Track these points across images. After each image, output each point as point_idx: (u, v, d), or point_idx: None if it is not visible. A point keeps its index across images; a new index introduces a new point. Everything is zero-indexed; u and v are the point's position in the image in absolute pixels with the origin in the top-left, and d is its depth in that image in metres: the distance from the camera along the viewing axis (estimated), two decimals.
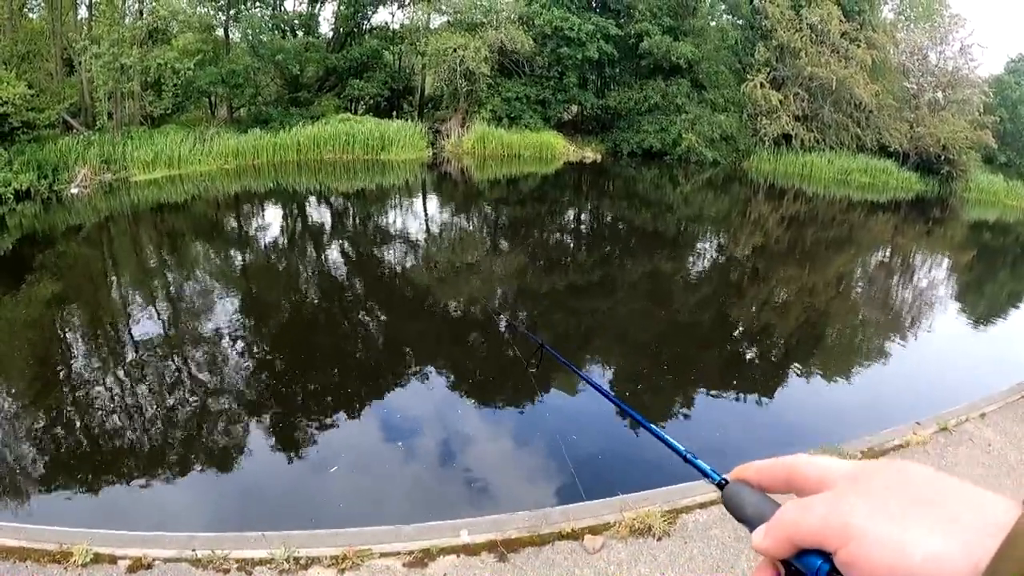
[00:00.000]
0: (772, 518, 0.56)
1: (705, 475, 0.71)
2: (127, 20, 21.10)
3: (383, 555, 4.37)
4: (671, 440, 0.83)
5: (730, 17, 34.51)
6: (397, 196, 21.46)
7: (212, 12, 25.11)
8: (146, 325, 9.48)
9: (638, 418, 0.96)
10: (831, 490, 0.53)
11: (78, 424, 6.63)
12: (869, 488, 0.50)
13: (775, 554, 0.54)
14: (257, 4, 27.30)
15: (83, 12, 23.21)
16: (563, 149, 29.02)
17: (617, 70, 30.97)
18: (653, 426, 0.91)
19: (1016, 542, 0.42)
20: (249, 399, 7.20)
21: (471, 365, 8.59)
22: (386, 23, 32.34)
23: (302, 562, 4.25)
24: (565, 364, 1.55)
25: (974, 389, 7.96)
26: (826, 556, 0.50)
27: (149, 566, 4.18)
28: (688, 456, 0.78)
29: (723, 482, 0.65)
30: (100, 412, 6.86)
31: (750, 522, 0.59)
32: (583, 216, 20.40)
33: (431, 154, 26.87)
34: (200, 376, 7.80)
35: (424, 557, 4.37)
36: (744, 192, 26.41)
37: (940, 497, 0.48)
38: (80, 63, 21.27)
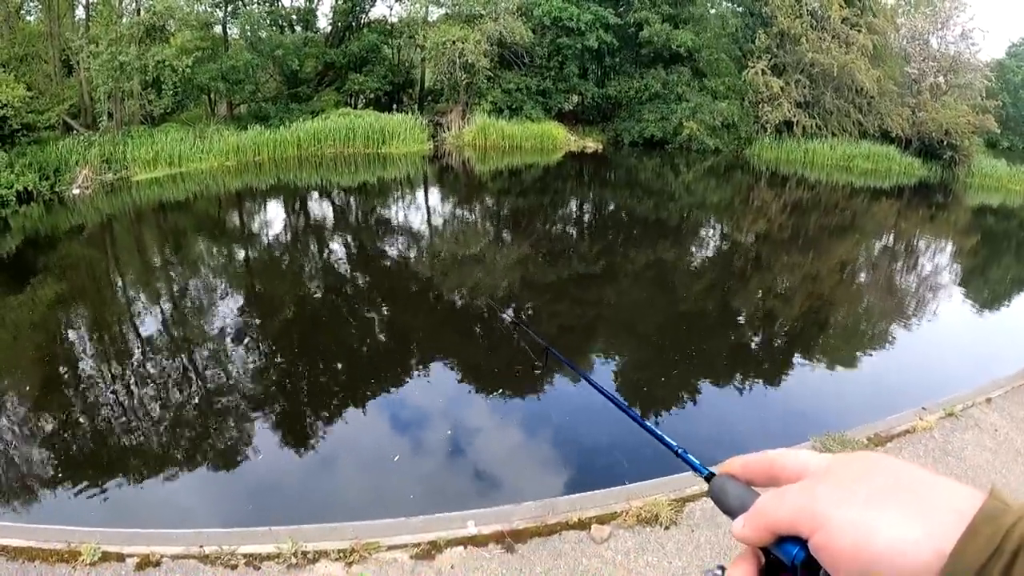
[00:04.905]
0: (750, 508, 0.58)
1: (694, 469, 0.75)
2: (124, 19, 21.05)
3: (391, 547, 4.38)
4: (664, 436, 0.89)
5: (730, 4, 34.28)
6: (399, 189, 21.44)
7: (209, 9, 25.00)
8: (151, 324, 9.51)
9: (633, 416, 1.00)
10: (805, 480, 0.56)
11: (86, 424, 6.65)
12: (839, 478, 0.53)
13: (754, 542, 0.57)
14: (255, 0, 27.21)
15: (80, 13, 23.18)
16: (564, 139, 28.93)
17: (617, 59, 30.79)
18: (648, 423, 0.95)
19: (979, 529, 0.43)
20: (254, 395, 7.21)
21: (476, 360, 8.59)
22: (384, 17, 32.22)
23: (310, 556, 4.26)
24: (568, 365, 1.58)
25: (980, 374, 7.94)
26: (802, 543, 0.52)
27: (157, 563, 4.20)
28: (679, 452, 0.83)
29: (710, 475, 0.68)
30: (107, 411, 6.88)
31: (733, 512, 0.61)
32: (585, 206, 20.36)
33: (432, 147, 26.82)
34: (206, 373, 7.81)
35: (431, 549, 4.38)
36: (746, 180, 26.31)
37: (906, 485, 0.49)
38: (78, 63, 21.26)
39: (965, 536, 0.43)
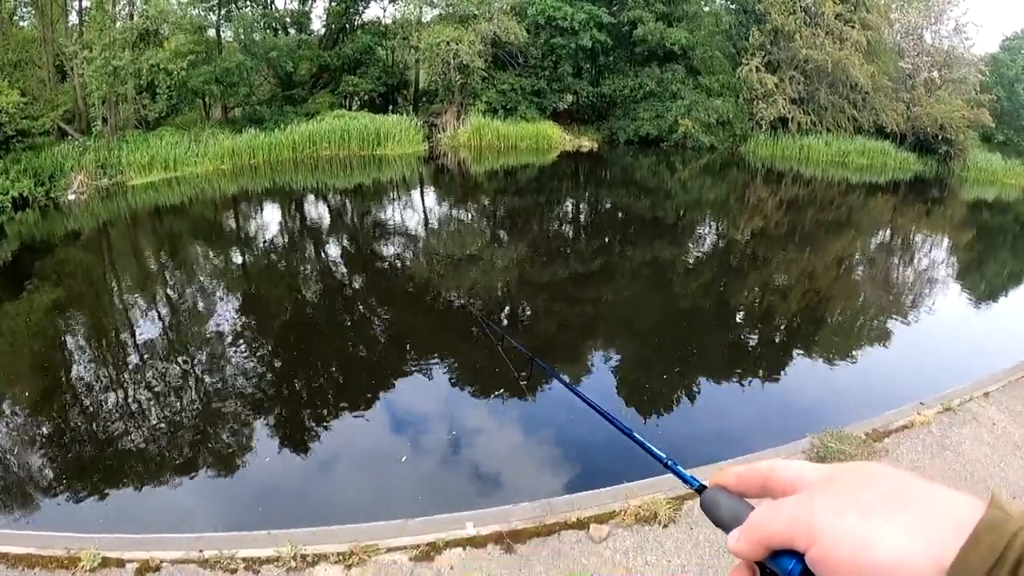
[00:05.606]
0: (745, 521, 0.57)
1: (685, 481, 0.73)
2: (117, 24, 21.00)
3: (390, 550, 4.39)
4: (653, 448, 0.85)
5: (723, 1, 34.24)
6: (395, 191, 21.42)
7: (203, 13, 24.97)
8: (148, 328, 9.49)
9: (621, 427, 0.97)
10: (801, 492, 0.54)
11: (84, 429, 6.65)
12: (835, 489, 0.51)
13: (749, 556, 0.55)
14: (248, 3, 27.17)
15: (73, 18, 23.13)
16: (559, 139, 28.91)
17: (611, 58, 30.78)
18: (636, 434, 0.92)
19: (980, 539, 0.42)
20: (251, 400, 7.21)
21: (469, 363, 8.58)
22: (378, 18, 32.19)
23: (309, 559, 4.27)
24: (554, 376, 1.59)
25: (977, 368, 7.95)
26: (799, 557, 0.51)
27: (157, 568, 4.20)
28: (669, 463, 0.80)
29: (701, 488, 0.66)
30: (106, 416, 6.87)
31: (726, 526, 0.60)
32: (581, 205, 20.36)
33: (427, 148, 26.78)
34: (203, 378, 7.80)
35: (431, 550, 4.39)
36: (742, 177, 26.34)
37: (905, 496, 0.48)
38: (72, 69, 21.22)
39: (967, 545, 0.42)
